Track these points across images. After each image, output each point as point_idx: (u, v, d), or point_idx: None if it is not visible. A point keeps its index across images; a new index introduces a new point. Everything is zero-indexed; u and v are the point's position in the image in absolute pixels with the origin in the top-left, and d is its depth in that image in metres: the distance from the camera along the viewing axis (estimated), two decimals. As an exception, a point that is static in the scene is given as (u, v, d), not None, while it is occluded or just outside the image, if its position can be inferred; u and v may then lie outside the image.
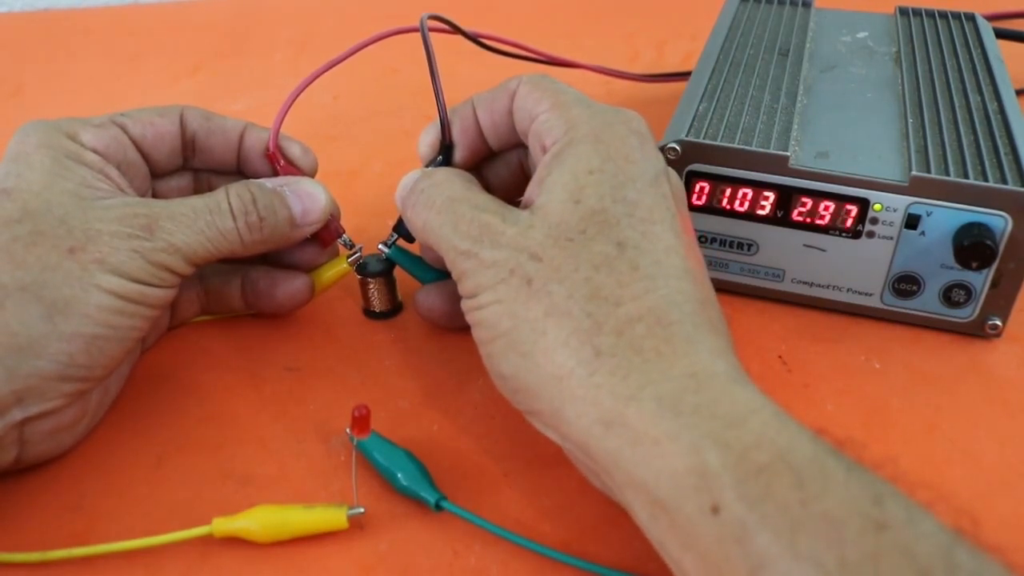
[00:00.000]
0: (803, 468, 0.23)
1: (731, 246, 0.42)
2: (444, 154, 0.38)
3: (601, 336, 0.28)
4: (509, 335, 0.30)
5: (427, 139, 0.38)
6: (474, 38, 0.43)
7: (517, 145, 0.38)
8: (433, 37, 0.37)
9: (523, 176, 0.39)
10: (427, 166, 0.38)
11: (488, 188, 0.40)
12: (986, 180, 0.37)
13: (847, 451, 0.25)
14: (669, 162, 0.40)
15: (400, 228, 0.39)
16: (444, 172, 0.35)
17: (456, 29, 0.38)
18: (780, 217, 0.40)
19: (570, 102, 0.34)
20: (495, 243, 0.30)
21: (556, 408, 0.28)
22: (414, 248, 0.41)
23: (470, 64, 0.50)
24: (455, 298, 0.39)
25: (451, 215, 0.32)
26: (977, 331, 0.41)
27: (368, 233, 0.48)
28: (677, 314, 0.28)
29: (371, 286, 0.42)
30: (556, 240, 0.30)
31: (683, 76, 0.58)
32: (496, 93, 0.36)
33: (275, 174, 0.39)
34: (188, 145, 0.39)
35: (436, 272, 0.41)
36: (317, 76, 0.39)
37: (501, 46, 0.45)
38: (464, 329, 0.41)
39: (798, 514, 0.22)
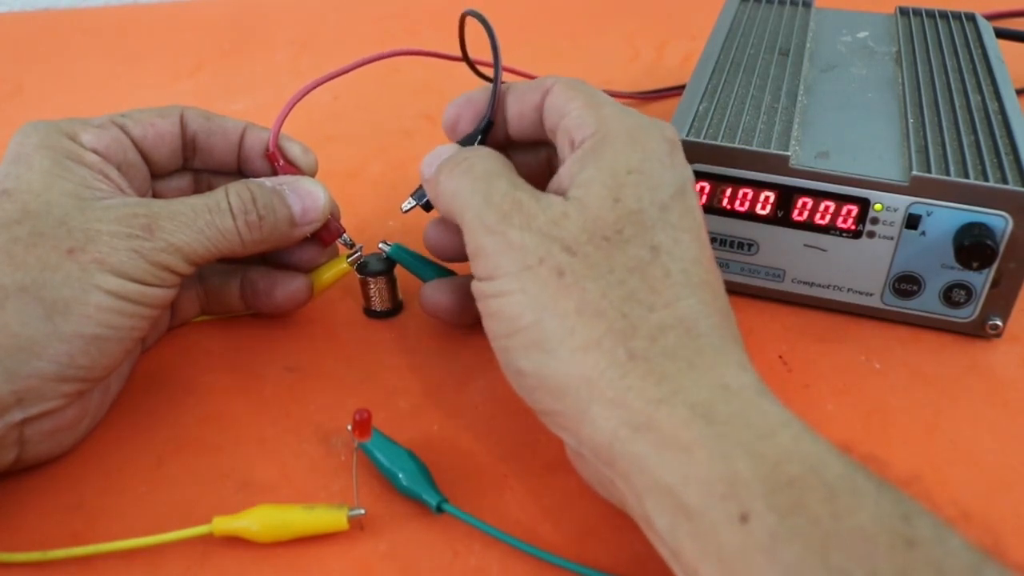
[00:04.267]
0: (834, 482, 0.23)
1: (731, 246, 0.42)
2: (484, 130, 0.37)
3: (635, 339, 0.28)
4: (531, 330, 0.29)
5: (453, 112, 0.37)
6: (472, 64, 0.43)
7: (537, 142, 0.38)
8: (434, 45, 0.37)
9: (548, 173, 0.39)
10: (461, 143, 0.37)
11: None
12: (986, 180, 0.37)
13: (872, 468, 0.25)
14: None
15: (420, 193, 0.38)
16: (488, 149, 0.34)
17: (489, 34, 0.37)
18: (780, 217, 0.40)
19: (603, 102, 0.33)
20: (525, 225, 0.30)
21: (581, 409, 0.28)
22: (418, 248, 0.40)
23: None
24: (462, 293, 0.39)
25: (486, 185, 0.31)
26: (977, 331, 0.41)
27: (368, 232, 0.48)
28: (705, 326, 0.28)
29: (372, 285, 0.42)
30: (592, 236, 0.29)
31: (680, 89, 0.59)
32: (530, 86, 0.36)
33: (275, 174, 0.39)
34: (188, 146, 0.39)
35: (438, 270, 0.41)
36: (319, 84, 0.39)
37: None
38: (468, 327, 0.41)
39: (829, 527, 0.22)
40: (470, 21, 0.38)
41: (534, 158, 0.39)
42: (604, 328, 0.28)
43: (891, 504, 0.23)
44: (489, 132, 0.37)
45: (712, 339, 0.28)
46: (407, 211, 0.38)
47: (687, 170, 0.33)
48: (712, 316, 0.29)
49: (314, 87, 0.39)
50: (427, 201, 0.38)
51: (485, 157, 0.33)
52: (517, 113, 0.36)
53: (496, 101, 0.37)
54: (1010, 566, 0.22)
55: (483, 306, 0.31)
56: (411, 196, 0.38)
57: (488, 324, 0.31)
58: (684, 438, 0.25)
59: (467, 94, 0.38)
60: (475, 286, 0.31)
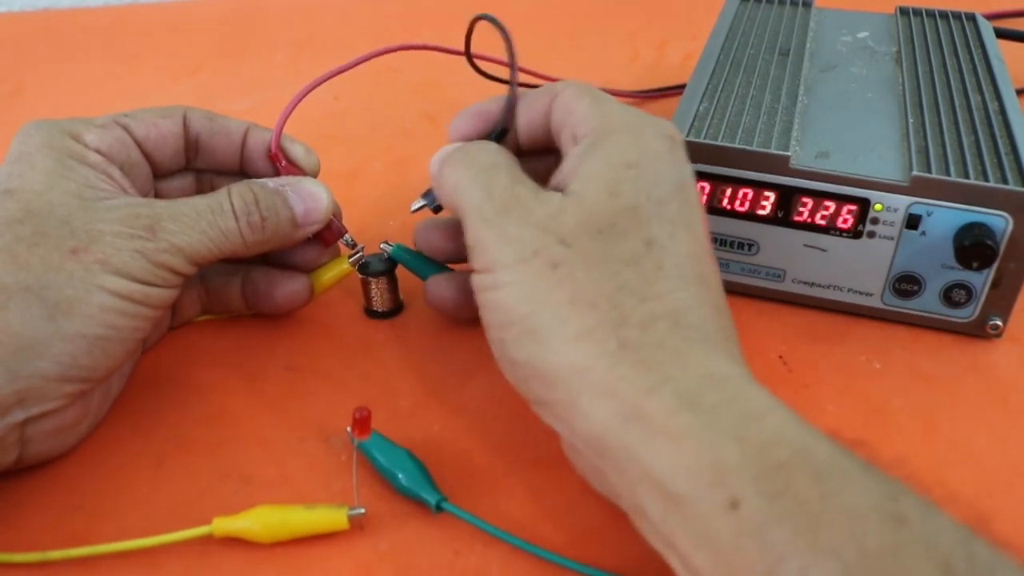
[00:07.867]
0: (821, 464, 0.24)
1: (731, 246, 0.42)
2: (498, 137, 0.37)
3: (626, 329, 0.28)
4: (526, 321, 0.29)
5: (463, 123, 0.37)
6: (476, 66, 0.43)
7: (546, 150, 0.38)
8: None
9: None
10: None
11: None
12: (987, 180, 0.37)
13: (859, 453, 0.25)
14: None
15: (430, 195, 0.38)
16: (493, 144, 0.35)
17: (506, 40, 0.37)
18: (781, 217, 0.40)
19: (608, 100, 0.34)
20: (523, 219, 0.30)
21: (572, 399, 0.28)
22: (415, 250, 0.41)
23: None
24: (465, 288, 0.39)
25: (487, 179, 0.32)
26: (978, 331, 0.41)
27: (369, 232, 0.48)
28: (696, 318, 0.29)
29: (373, 286, 0.42)
30: (587, 229, 0.30)
31: (680, 89, 0.59)
32: (539, 92, 0.36)
33: (277, 175, 0.39)
34: (191, 146, 0.39)
35: (439, 270, 0.41)
36: (321, 82, 0.39)
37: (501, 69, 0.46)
38: (471, 322, 0.41)
39: (817, 508, 0.23)
40: (481, 25, 0.38)
41: (543, 165, 0.39)
42: (596, 318, 0.28)
43: (878, 484, 0.23)
44: (503, 140, 0.37)
45: (702, 332, 0.28)
46: (416, 211, 0.38)
47: (687, 167, 0.33)
48: (703, 309, 0.29)
49: (315, 86, 0.39)
50: (437, 205, 0.38)
51: (489, 151, 0.33)
52: (527, 120, 0.37)
53: (514, 106, 0.37)
54: (995, 543, 0.23)
55: (480, 298, 0.31)
56: (421, 196, 0.38)
57: (485, 316, 0.31)
58: (672, 427, 0.26)
59: (478, 105, 0.37)
60: (473, 279, 0.31)
